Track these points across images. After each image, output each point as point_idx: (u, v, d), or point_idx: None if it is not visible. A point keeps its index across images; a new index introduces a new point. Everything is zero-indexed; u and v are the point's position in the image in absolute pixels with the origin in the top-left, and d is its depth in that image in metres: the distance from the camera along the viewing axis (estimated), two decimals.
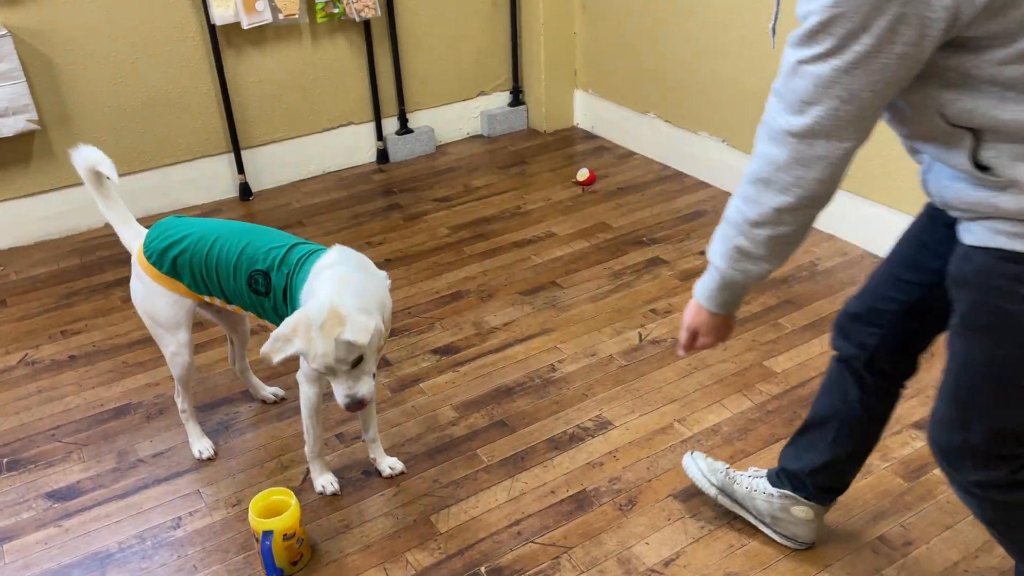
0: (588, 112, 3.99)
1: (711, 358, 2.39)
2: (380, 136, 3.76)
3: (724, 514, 1.88)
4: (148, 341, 2.58)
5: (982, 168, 1.13)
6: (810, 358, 2.37)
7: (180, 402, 2.11)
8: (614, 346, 2.48)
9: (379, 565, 1.81)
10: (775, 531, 1.79)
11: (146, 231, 1.96)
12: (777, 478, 1.75)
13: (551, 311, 2.66)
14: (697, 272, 2.81)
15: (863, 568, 1.74)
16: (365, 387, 1.65)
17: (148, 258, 1.90)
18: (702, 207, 3.25)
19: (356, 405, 1.65)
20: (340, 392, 1.65)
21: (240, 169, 3.48)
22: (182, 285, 1.89)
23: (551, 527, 1.88)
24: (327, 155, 3.70)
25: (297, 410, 2.27)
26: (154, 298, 1.93)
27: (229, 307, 1.91)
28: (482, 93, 3.97)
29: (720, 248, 1.30)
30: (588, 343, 2.50)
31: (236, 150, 3.45)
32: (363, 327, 1.58)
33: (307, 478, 2.05)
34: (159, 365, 2.47)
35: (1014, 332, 1.20)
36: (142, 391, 2.39)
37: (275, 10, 3.27)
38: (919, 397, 2.18)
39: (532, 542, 1.84)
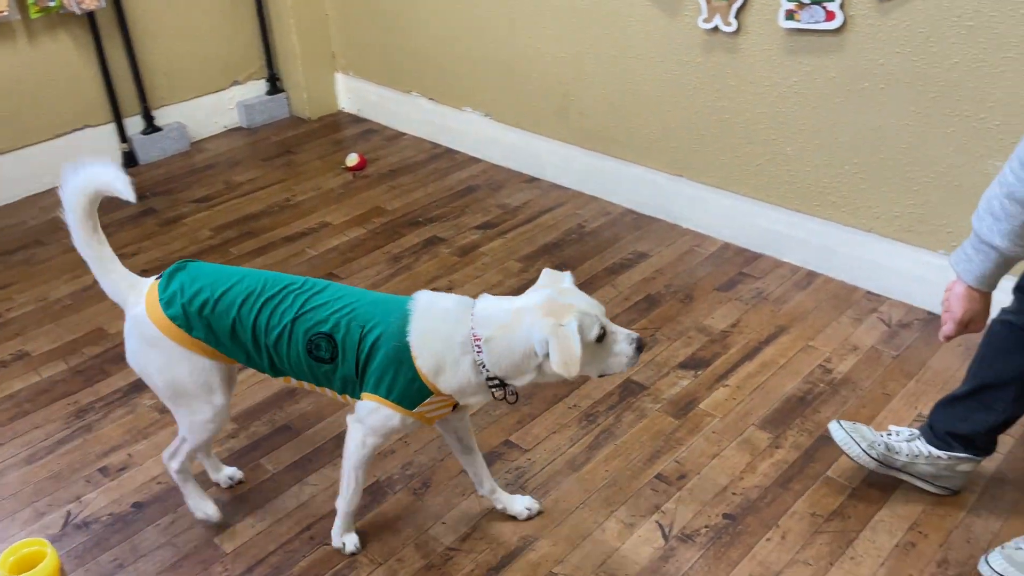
0: (352, 95, 3.90)
1: None
2: (124, 137, 3.45)
3: (515, 479, 1.92)
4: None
5: None
6: None
7: (179, 463, 1.73)
8: None
9: None
10: (933, 485, 1.82)
11: (147, 280, 1.62)
12: (943, 441, 1.76)
13: None
14: (475, 246, 2.84)
15: (645, 506, 1.84)
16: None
17: (173, 318, 1.54)
18: (474, 182, 3.28)
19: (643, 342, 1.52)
20: (624, 340, 1.49)
21: None
22: (217, 352, 1.57)
23: None
24: (64, 163, 3.34)
25: (49, 450, 2.05)
26: (179, 365, 1.56)
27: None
28: (236, 83, 3.76)
29: (1003, 228, 1.31)
30: None
31: None
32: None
33: (68, 522, 1.85)
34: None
35: None
36: None
37: None
38: (681, 340, 2.34)
39: (326, 545, 1.78)
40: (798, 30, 2.34)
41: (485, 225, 2.97)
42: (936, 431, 1.78)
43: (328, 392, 1.59)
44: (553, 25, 2.95)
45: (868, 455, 1.80)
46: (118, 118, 3.41)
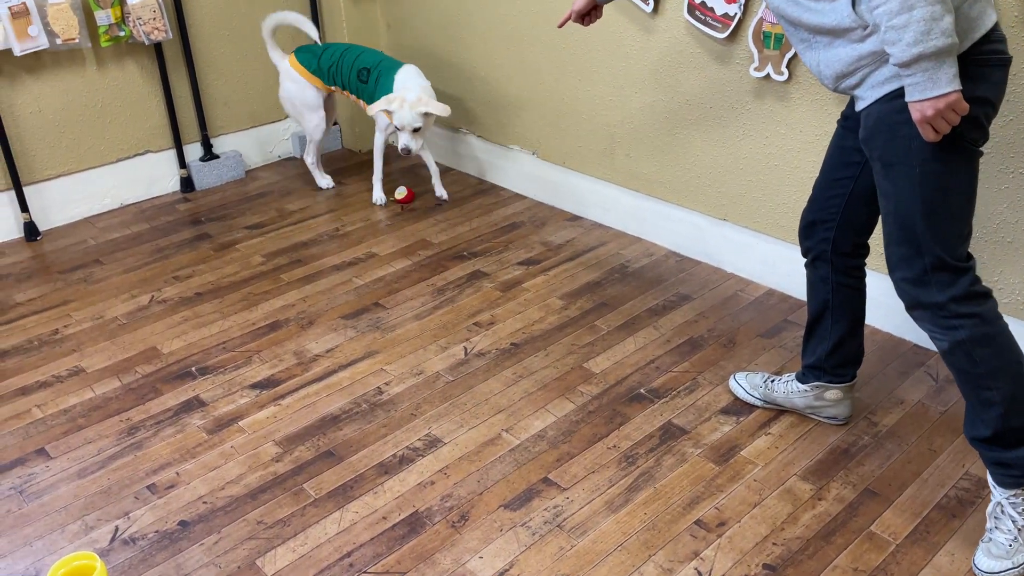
0: None
1: (535, 365, 2.44)
2: (183, 163, 3.57)
3: (553, 518, 1.92)
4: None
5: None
6: (625, 356, 2.47)
7: (310, 156, 3.51)
8: (440, 363, 2.48)
9: None
10: (818, 417, 2.16)
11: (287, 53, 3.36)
12: (803, 375, 2.13)
13: (375, 333, 2.63)
14: (518, 281, 2.87)
15: (684, 552, 1.83)
16: (416, 144, 3.15)
17: (301, 63, 3.31)
18: (519, 219, 3.32)
19: (407, 152, 3.14)
20: (402, 142, 3.14)
21: (24, 207, 3.19)
22: (320, 80, 3.31)
23: (384, 554, 1.84)
24: (124, 186, 3.47)
25: (100, 465, 2.11)
26: (304, 90, 3.32)
27: (344, 93, 3.35)
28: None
29: (937, 26, 1.43)
30: (414, 362, 2.48)
31: (17, 186, 3.16)
32: (440, 109, 3.10)
33: (116, 537, 1.90)
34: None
35: (919, 151, 1.57)
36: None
37: (51, 35, 3.03)
38: (723, 385, 2.33)
39: (365, 572, 1.80)
40: None
41: (528, 261, 3.01)
42: (799, 371, 2.17)
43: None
44: (602, 69, 3.00)
45: (752, 395, 2.22)
46: (178, 144, 3.53)
